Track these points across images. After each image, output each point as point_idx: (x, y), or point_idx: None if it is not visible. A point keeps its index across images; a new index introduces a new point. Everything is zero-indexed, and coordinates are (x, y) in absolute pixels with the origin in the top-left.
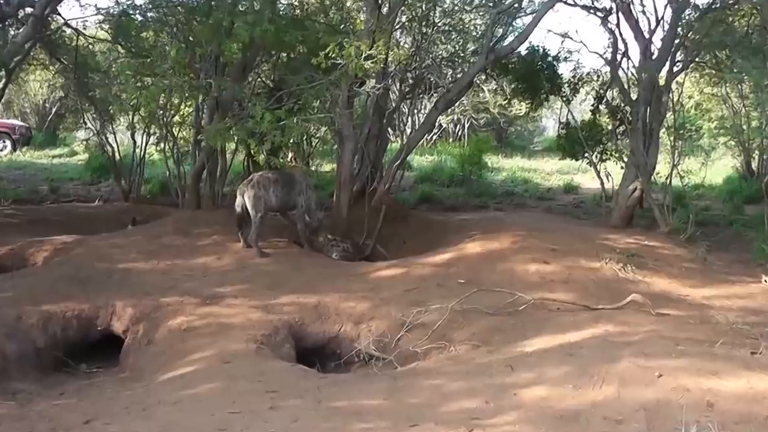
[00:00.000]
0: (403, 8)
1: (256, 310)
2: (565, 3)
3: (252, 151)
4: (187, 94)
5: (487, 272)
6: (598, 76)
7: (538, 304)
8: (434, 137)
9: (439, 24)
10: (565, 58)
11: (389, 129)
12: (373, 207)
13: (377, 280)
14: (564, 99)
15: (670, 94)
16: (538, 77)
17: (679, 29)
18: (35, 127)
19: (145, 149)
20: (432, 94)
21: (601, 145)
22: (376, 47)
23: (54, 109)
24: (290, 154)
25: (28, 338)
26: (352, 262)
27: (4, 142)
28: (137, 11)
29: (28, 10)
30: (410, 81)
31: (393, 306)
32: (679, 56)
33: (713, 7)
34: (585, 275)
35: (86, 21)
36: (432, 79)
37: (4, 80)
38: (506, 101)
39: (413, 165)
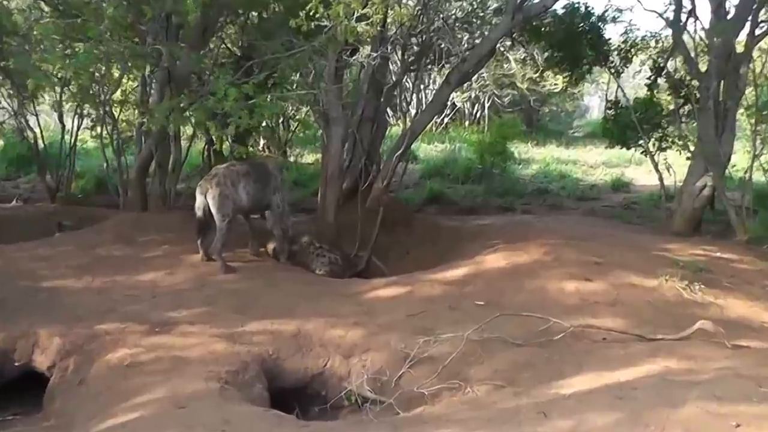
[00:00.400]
0: None
1: (219, 340)
2: None
3: (213, 138)
4: (129, 64)
5: (513, 292)
6: (657, 42)
7: (578, 332)
8: (446, 120)
9: None
10: (614, 18)
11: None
12: (368, 209)
13: (373, 302)
14: (612, 71)
15: (751, 65)
16: (578, 43)
17: None
18: None
19: (76, 135)
20: (443, 65)
21: (659, 130)
22: (371, 5)
23: None
24: (262, 142)
25: None
26: (342, 279)
27: None
28: None
29: None
30: (415, 48)
31: (393, 334)
32: (762, 15)
33: None
34: (638, 296)
35: None
36: (443, 45)
37: None
38: (538, 74)
39: (419, 155)
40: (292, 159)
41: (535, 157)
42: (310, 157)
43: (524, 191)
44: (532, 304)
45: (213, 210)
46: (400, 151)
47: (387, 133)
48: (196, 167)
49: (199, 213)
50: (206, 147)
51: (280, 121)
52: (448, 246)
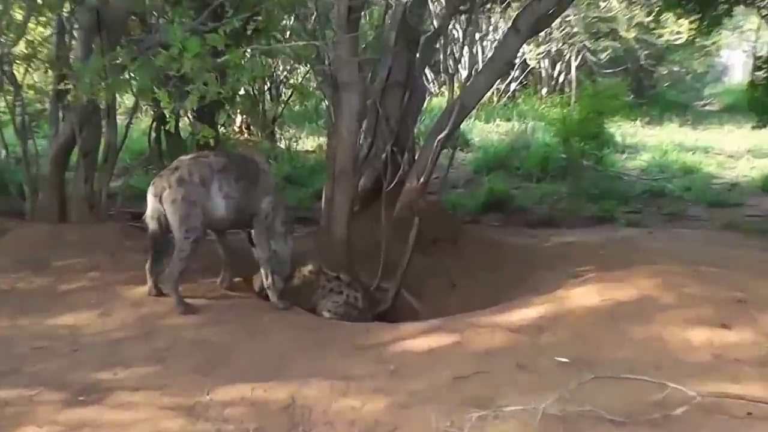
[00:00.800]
0: None
1: (173, 415)
2: None
3: (166, 114)
4: (40, 1)
5: (611, 344)
6: None
7: (710, 404)
8: (513, 87)
9: None
10: None
11: (427, 71)
12: (397, 219)
13: (403, 357)
14: (765, 13)
15: None
16: None
17: None
18: None
19: None
20: (508, 3)
21: None
22: None
23: None
24: (239, 119)
25: None
26: (357, 323)
27: None
28: None
29: None
30: None
31: (433, 406)
32: None
33: None
34: None
35: None
36: None
37: None
38: (652, 17)
39: (473, 140)
40: (282, 144)
41: (647, 142)
42: (309, 142)
43: (630, 194)
44: (640, 363)
45: (172, 221)
46: (444, 133)
47: (425, 105)
48: (139, 156)
49: (150, 224)
50: (154, 126)
51: (266, 88)
52: (515, 275)
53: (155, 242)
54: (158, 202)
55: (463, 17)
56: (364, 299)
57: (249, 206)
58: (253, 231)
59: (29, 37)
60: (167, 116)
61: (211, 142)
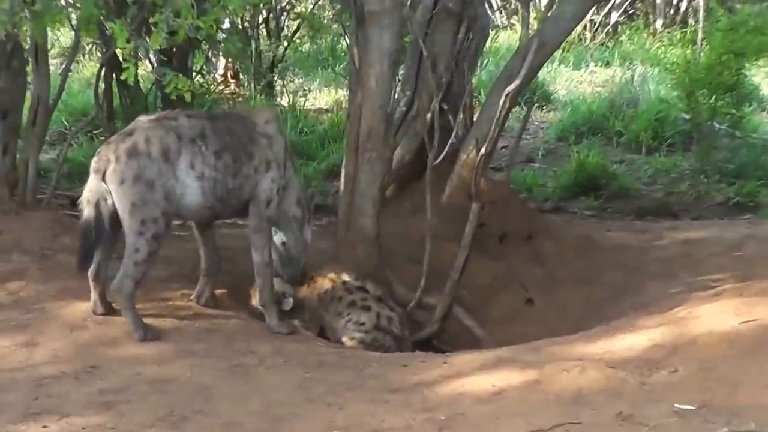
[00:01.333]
0: None
1: None
2: None
3: (121, 57)
4: None
5: (755, 384)
6: None
7: None
8: (613, 17)
9: None
10: None
11: None
12: (448, 207)
13: (456, 404)
14: None
15: None
16: None
17: None
18: None
19: None
20: None
21: None
22: None
23: None
24: (222, 64)
25: None
26: (391, 354)
27: None
28: None
29: None
30: None
31: None
32: None
33: None
34: None
35: None
36: None
37: None
38: None
39: (555, 94)
40: (284, 101)
41: None
42: (322, 98)
43: None
44: None
45: (120, 208)
46: (515, 84)
47: (488, 44)
48: (82, 116)
49: (87, 211)
50: (103, 74)
51: (262, 19)
52: (617, 286)
53: (92, 238)
54: (100, 180)
55: None
56: (401, 321)
57: (239, 189)
58: (249, 223)
59: None
60: (122, 60)
61: (187, 96)
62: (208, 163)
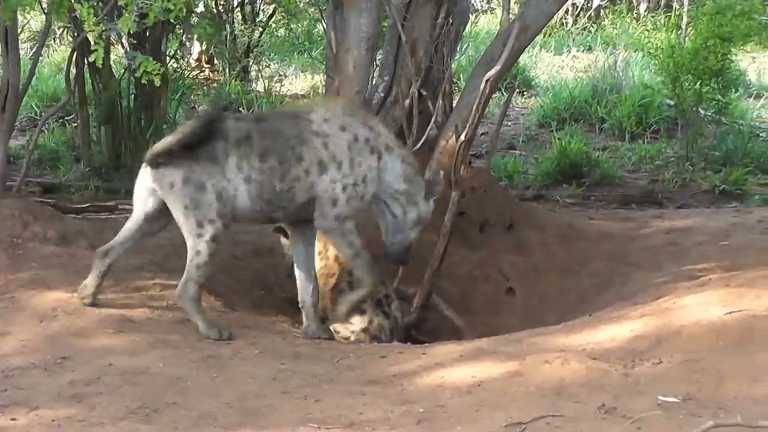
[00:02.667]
0: None
1: None
2: None
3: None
4: None
5: (741, 376)
6: None
7: None
8: (596, 2)
9: None
10: None
11: None
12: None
13: (436, 395)
14: None
15: None
16: None
17: None
18: None
19: None
20: None
21: None
22: None
23: None
24: (196, 49)
25: None
26: (367, 345)
27: None
28: None
29: None
30: None
31: None
32: None
33: None
34: None
35: None
36: None
37: None
38: None
39: (536, 79)
40: (259, 86)
41: None
42: (298, 83)
43: None
44: None
45: (177, 214)
46: (496, 70)
47: (468, 28)
48: (52, 101)
49: (138, 207)
50: (73, 58)
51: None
52: (600, 276)
53: (135, 231)
54: (154, 183)
55: None
56: (392, 328)
57: (288, 192)
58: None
59: None
60: (92, 43)
61: (157, 80)
62: (254, 165)
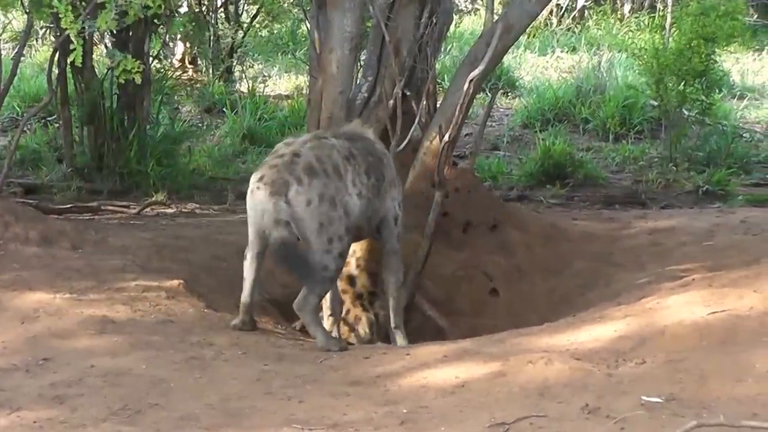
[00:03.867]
0: None
1: None
2: None
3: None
4: None
5: (725, 376)
6: None
7: None
8: (580, 1)
9: None
10: None
11: None
12: (410, 195)
13: (419, 396)
14: None
15: None
16: None
17: None
18: None
19: None
20: None
21: None
22: None
23: None
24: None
25: None
26: (349, 348)
27: None
28: None
29: None
30: None
31: None
32: None
33: None
34: None
35: None
36: None
37: None
38: None
39: (520, 80)
40: (243, 87)
41: None
42: (282, 84)
43: (752, 158)
44: (765, 405)
45: (307, 231)
46: (479, 70)
47: (452, 28)
48: (34, 102)
49: (268, 234)
50: (55, 58)
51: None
52: (584, 276)
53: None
54: (283, 204)
55: None
56: (370, 323)
57: (377, 210)
58: (384, 244)
59: None
60: (73, 41)
61: (137, 78)
62: (362, 181)
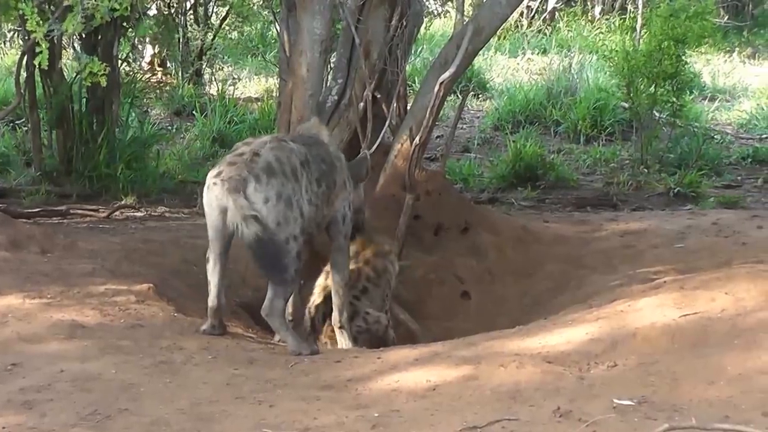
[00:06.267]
0: None
1: None
2: None
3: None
4: None
5: (696, 378)
6: None
7: None
8: (551, 3)
9: None
10: None
11: None
12: (381, 198)
13: (390, 400)
14: None
15: None
16: None
17: None
18: None
19: None
20: None
21: None
22: None
23: None
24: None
25: None
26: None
27: None
28: None
29: None
30: None
31: None
32: None
33: None
34: None
35: None
36: None
37: None
38: None
39: (491, 82)
40: (213, 90)
41: (749, 84)
42: (252, 86)
43: (723, 160)
44: (739, 406)
45: (263, 230)
46: (450, 72)
47: (422, 31)
48: (3, 106)
49: (233, 232)
50: (24, 62)
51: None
52: (556, 279)
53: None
54: (242, 209)
55: None
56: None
57: (325, 216)
58: (331, 242)
59: None
60: (40, 43)
61: (103, 81)
62: (314, 189)
